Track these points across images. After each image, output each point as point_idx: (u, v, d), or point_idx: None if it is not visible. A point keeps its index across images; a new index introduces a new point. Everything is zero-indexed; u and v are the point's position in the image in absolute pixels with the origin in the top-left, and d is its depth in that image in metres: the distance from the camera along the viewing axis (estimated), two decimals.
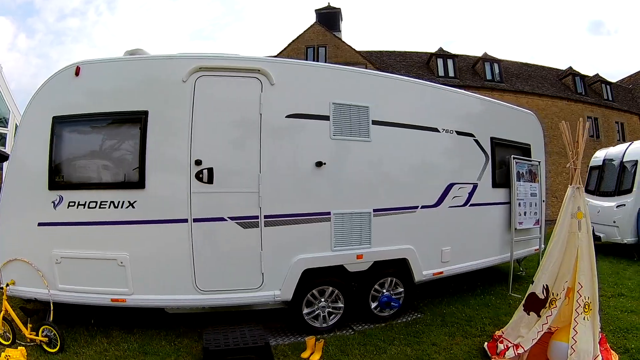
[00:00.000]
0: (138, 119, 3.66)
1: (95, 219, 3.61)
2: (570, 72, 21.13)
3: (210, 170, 3.69)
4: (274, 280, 3.89)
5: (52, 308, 3.58)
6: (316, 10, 21.55)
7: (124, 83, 3.79)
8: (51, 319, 3.55)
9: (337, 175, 4.19)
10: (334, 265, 4.18)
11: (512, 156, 5.91)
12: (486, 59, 19.38)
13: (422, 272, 4.64)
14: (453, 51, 20.44)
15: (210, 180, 3.70)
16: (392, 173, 4.53)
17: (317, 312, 4.18)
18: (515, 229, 5.92)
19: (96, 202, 3.61)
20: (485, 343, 3.76)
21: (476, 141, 5.42)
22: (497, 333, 3.79)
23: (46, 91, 3.75)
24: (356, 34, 76.92)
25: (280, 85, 3.95)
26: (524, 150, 6.39)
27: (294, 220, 3.99)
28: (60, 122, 3.67)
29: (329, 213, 4.10)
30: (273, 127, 3.94)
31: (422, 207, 4.70)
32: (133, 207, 3.61)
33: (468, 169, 5.29)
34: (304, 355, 3.57)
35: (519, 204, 5.99)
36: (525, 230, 6.15)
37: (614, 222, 8.77)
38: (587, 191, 10.35)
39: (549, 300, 3.47)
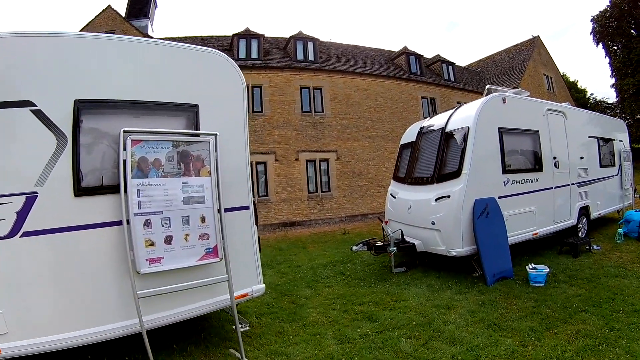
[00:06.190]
0: None
1: None
2: (404, 52, 19.59)
3: None
4: None
5: None
6: None
7: None
8: None
9: None
10: None
11: (122, 130, 2.92)
12: (299, 37, 16.93)
13: None
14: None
15: None
16: None
17: None
18: (140, 272, 2.93)
19: None
20: None
21: (37, 112, 2.86)
22: None
23: None
24: (179, 19, 73.92)
25: None
26: (186, 116, 3.50)
27: None
28: None
29: None
30: None
31: None
32: None
33: (10, 166, 2.83)
34: None
35: (145, 223, 3.00)
36: (186, 270, 3.19)
37: (433, 223, 5.66)
38: (396, 178, 7.31)
39: None
